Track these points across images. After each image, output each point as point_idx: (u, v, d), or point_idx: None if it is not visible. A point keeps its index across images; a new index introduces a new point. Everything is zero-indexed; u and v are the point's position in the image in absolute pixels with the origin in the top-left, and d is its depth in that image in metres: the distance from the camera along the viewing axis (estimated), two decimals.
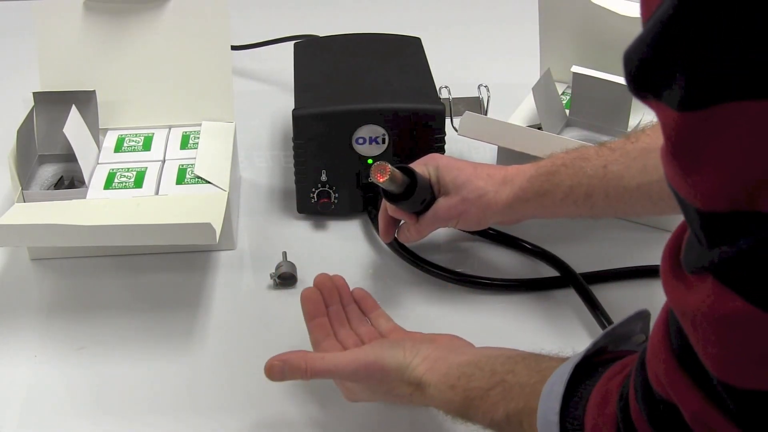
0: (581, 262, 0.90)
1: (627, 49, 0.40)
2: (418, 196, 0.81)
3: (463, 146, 1.04)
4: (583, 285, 0.87)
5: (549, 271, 0.92)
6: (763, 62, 0.35)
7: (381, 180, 0.77)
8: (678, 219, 0.44)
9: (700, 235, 0.40)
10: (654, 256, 0.95)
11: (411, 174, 0.81)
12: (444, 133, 0.96)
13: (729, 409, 0.41)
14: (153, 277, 0.92)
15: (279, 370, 0.70)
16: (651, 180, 0.76)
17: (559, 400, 0.54)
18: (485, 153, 1.04)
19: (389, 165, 0.77)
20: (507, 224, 0.91)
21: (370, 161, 0.96)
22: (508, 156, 0.97)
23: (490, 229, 0.94)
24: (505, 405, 0.61)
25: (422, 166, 0.84)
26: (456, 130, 0.99)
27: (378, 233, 0.91)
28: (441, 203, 0.82)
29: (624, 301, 0.86)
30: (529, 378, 0.60)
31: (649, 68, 0.39)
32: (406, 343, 0.70)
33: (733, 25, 0.35)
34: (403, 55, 1.07)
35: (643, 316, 0.58)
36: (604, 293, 0.87)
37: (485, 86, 1.01)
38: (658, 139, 0.80)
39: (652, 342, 0.46)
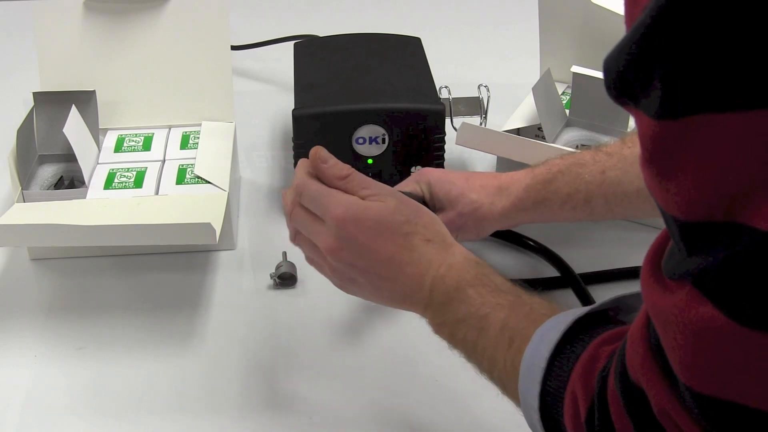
0: (581, 262, 0.90)
1: (606, 56, 0.40)
2: None
3: (463, 147, 1.04)
4: (581, 286, 0.87)
5: (549, 271, 0.92)
6: (738, 75, 0.35)
7: None
8: None
9: (680, 244, 0.40)
10: None
11: None
12: (444, 133, 0.96)
13: (693, 411, 0.42)
14: (153, 277, 0.92)
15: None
16: None
17: (552, 346, 0.53)
18: (485, 155, 1.04)
19: None
20: (506, 228, 0.91)
21: (370, 161, 0.96)
22: (507, 161, 0.97)
23: None
24: (508, 313, 0.59)
25: (414, 183, 0.84)
26: (456, 130, 0.99)
27: None
28: None
29: None
30: (540, 308, 0.58)
31: (627, 77, 0.39)
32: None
33: (709, 37, 0.35)
34: (403, 55, 1.07)
35: None
36: (604, 293, 0.87)
37: (485, 86, 1.01)
38: None
39: (633, 331, 0.46)
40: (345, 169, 0.67)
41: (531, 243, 0.94)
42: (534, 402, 0.54)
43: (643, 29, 0.37)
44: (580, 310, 0.55)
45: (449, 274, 0.63)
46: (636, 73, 0.38)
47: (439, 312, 0.63)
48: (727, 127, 0.36)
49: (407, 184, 0.84)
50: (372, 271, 0.65)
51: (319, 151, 0.67)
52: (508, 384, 0.58)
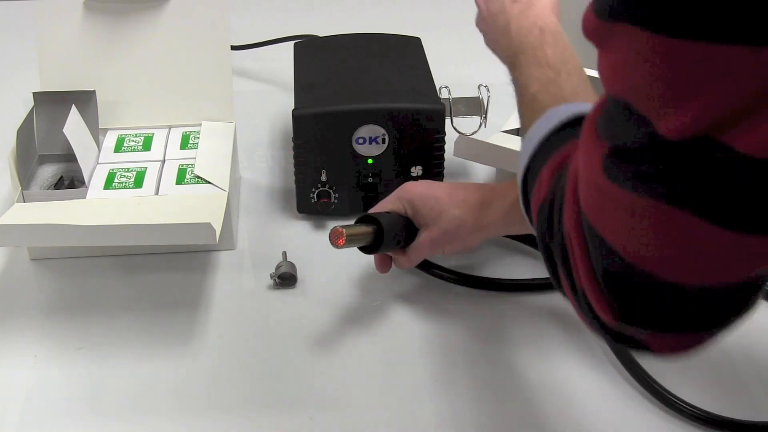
0: None
1: None
2: (390, 240, 0.82)
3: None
4: None
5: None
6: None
7: (341, 245, 0.78)
8: None
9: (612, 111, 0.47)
10: None
11: (374, 221, 0.81)
12: (444, 133, 0.96)
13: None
14: (153, 277, 0.92)
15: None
16: None
17: (548, 130, 0.60)
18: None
19: (343, 228, 0.78)
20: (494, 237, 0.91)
21: (370, 161, 0.96)
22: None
23: None
24: (539, 89, 0.69)
25: (396, 200, 0.84)
26: (456, 130, 0.99)
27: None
28: (423, 237, 0.82)
29: None
30: (568, 92, 0.67)
31: None
32: None
33: None
34: (403, 55, 1.07)
35: None
36: None
37: (485, 86, 1.01)
38: None
39: (569, 181, 0.52)
40: None
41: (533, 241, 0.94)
42: (520, 174, 0.62)
43: None
44: (580, 109, 0.60)
45: (520, 37, 0.75)
46: None
47: (510, 71, 0.76)
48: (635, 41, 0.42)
49: (390, 202, 0.84)
50: (484, 24, 0.85)
51: None
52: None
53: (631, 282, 0.47)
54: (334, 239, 0.78)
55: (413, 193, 0.83)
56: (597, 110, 0.49)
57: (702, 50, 0.39)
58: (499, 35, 0.79)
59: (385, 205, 0.85)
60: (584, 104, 0.60)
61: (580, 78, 0.70)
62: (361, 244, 0.82)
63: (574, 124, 0.59)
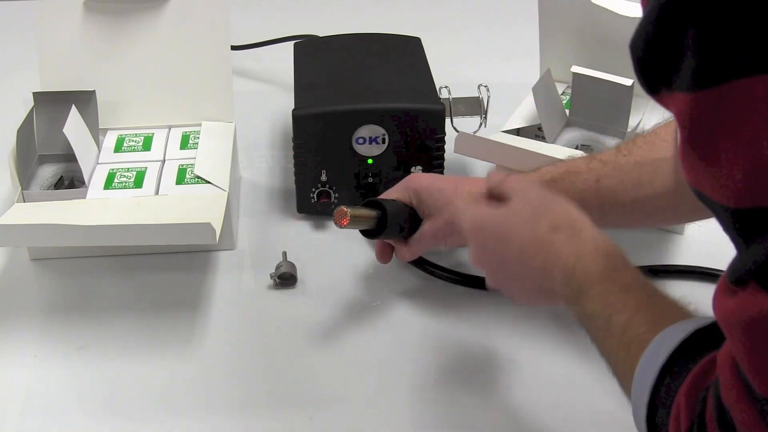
0: None
1: (632, 37, 0.39)
2: (393, 227, 0.81)
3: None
4: None
5: None
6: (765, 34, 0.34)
7: (344, 224, 0.77)
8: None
9: (734, 235, 0.38)
10: (659, 257, 0.96)
11: (379, 206, 0.81)
12: (444, 133, 0.96)
13: None
14: (153, 277, 0.92)
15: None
16: (646, 194, 0.75)
17: (668, 354, 0.51)
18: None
19: (348, 208, 0.77)
20: None
21: (370, 161, 0.96)
22: (505, 167, 0.97)
23: None
24: (631, 316, 0.56)
25: (402, 190, 0.84)
26: (456, 130, 0.99)
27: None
28: (426, 227, 0.82)
29: None
30: (666, 312, 0.55)
31: (656, 48, 0.38)
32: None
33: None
34: (403, 55, 1.07)
35: None
36: None
37: (485, 86, 1.01)
38: (650, 151, 0.78)
39: (721, 353, 0.44)
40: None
41: None
42: (642, 412, 0.52)
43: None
44: (703, 320, 0.52)
45: (578, 267, 0.61)
46: (663, 44, 0.37)
47: (572, 305, 0.61)
48: (762, 90, 0.34)
49: (396, 191, 0.84)
50: (503, 265, 0.67)
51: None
52: (625, 389, 0.56)
53: None
54: (338, 219, 0.78)
55: (419, 184, 0.83)
56: (723, 277, 0.41)
57: None
58: (534, 272, 0.64)
59: (390, 194, 0.84)
60: (696, 321, 0.52)
61: (665, 296, 0.58)
62: (364, 227, 0.81)
63: (691, 345, 0.51)
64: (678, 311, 0.56)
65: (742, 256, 0.38)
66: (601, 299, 0.58)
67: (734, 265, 0.40)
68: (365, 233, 0.82)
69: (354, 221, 0.78)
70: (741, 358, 0.40)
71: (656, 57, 0.38)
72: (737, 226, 0.38)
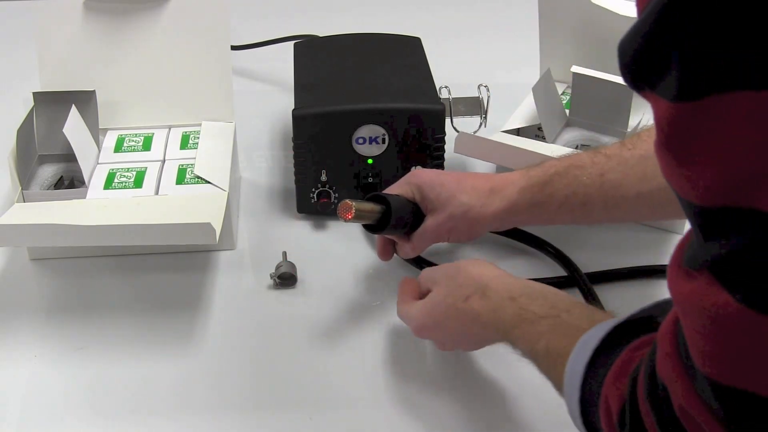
0: (585, 262, 0.90)
1: (621, 39, 0.40)
2: (397, 222, 0.81)
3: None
4: (587, 285, 0.87)
5: (551, 271, 0.92)
6: (757, 53, 0.35)
7: (349, 218, 0.77)
8: (682, 221, 0.44)
9: (697, 230, 0.40)
10: (658, 257, 0.96)
11: (383, 201, 0.81)
12: (444, 133, 0.96)
13: (713, 406, 0.42)
14: (153, 277, 0.92)
15: None
16: (651, 188, 0.75)
17: (590, 354, 0.55)
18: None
19: (353, 202, 0.77)
20: (500, 230, 0.91)
21: (370, 161, 0.96)
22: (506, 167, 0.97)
23: None
24: (549, 339, 0.62)
25: (405, 185, 0.83)
26: (456, 130, 0.99)
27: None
28: (429, 222, 0.82)
29: (627, 301, 0.86)
30: (580, 322, 0.60)
31: (643, 59, 0.39)
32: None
33: (726, 15, 0.35)
34: (403, 55, 1.07)
35: None
36: (608, 293, 0.87)
37: (485, 86, 1.01)
38: None
39: (662, 329, 0.46)
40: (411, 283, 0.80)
41: (537, 241, 0.93)
42: (576, 409, 0.56)
43: (659, 9, 0.37)
44: (619, 318, 0.56)
45: (496, 320, 0.68)
46: (652, 54, 0.38)
47: (512, 348, 0.68)
48: (746, 106, 0.36)
49: (399, 186, 0.84)
50: (458, 341, 0.76)
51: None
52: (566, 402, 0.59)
53: None
54: (343, 212, 0.77)
55: (422, 179, 0.83)
56: (678, 255, 0.43)
57: None
58: (477, 334, 0.72)
59: (394, 189, 0.84)
60: (613, 319, 0.56)
61: (581, 307, 0.65)
62: (367, 221, 0.81)
63: (611, 342, 0.55)
64: (590, 320, 0.60)
65: (700, 247, 0.40)
66: (521, 339, 0.65)
67: (691, 253, 0.42)
68: (368, 228, 0.82)
69: (358, 215, 0.78)
70: (692, 336, 0.42)
71: (643, 65, 0.39)
72: (700, 222, 0.40)
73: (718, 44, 0.36)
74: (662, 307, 0.56)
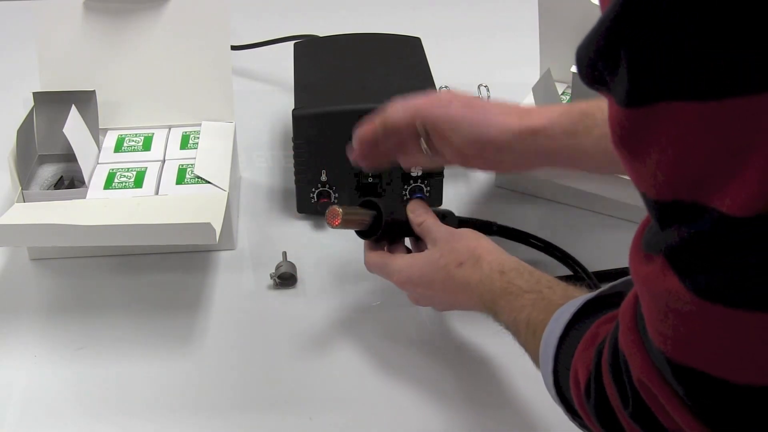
0: (587, 262, 0.90)
1: (579, 45, 0.42)
2: (388, 228, 0.80)
3: None
4: (597, 286, 0.86)
5: (551, 271, 0.91)
6: (698, 65, 0.36)
7: (336, 224, 0.77)
8: None
9: (653, 219, 0.43)
10: None
11: (375, 207, 0.80)
12: None
13: (670, 380, 0.44)
14: (153, 277, 0.92)
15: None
16: None
17: (563, 327, 0.58)
18: None
19: (341, 209, 0.77)
20: (520, 171, 0.90)
21: None
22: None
23: (495, 225, 0.93)
24: (530, 311, 0.65)
25: (409, 117, 0.78)
26: None
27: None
28: (447, 153, 0.77)
29: None
30: (559, 299, 0.64)
31: (597, 65, 0.41)
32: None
33: (672, 27, 0.36)
34: (403, 55, 1.07)
35: None
36: None
37: (485, 86, 1.01)
38: None
39: (624, 305, 0.49)
40: (420, 216, 0.80)
41: (540, 243, 0.93)
42: (549, 380, 0.60)
43: (611, 17, 0.39)
44: (590, 294, 0.60)
45: (485, 290, 0.71)
46: (605, 61, 0.40)
47: (495, 320, 0.71)
48: (688, 115, 0.38)
49: (404, 120, 0.78)
50: (438, 301, 0.79)
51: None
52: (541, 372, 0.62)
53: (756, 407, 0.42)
54: (330, 219, 0.77)
55: (430, 113, 0.77)
56: (638, 237, 0.45)
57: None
58: (459, 299, 0.75)
59: (399, 123, 0.78)
60: (586, 295, 0.60)
61: (563, 286, 0.67)
62: (356, 228, 0.81)
63: (583, 314, 0.58)
64: (566, 296, 0.64)
65: (657, 234, 0.43)
66: (506, 309, 0.69)
67: (649, 237, 0.44)
68: (360, 234, 0.82)
69: (346, 222, 0.77)
70: (649, 315, 0.45)
71: (598, 68, 0.41)
72: (656, 213, 0.42)
73: (662, 55, 0.37)
74: (631, 284, 0.56)
